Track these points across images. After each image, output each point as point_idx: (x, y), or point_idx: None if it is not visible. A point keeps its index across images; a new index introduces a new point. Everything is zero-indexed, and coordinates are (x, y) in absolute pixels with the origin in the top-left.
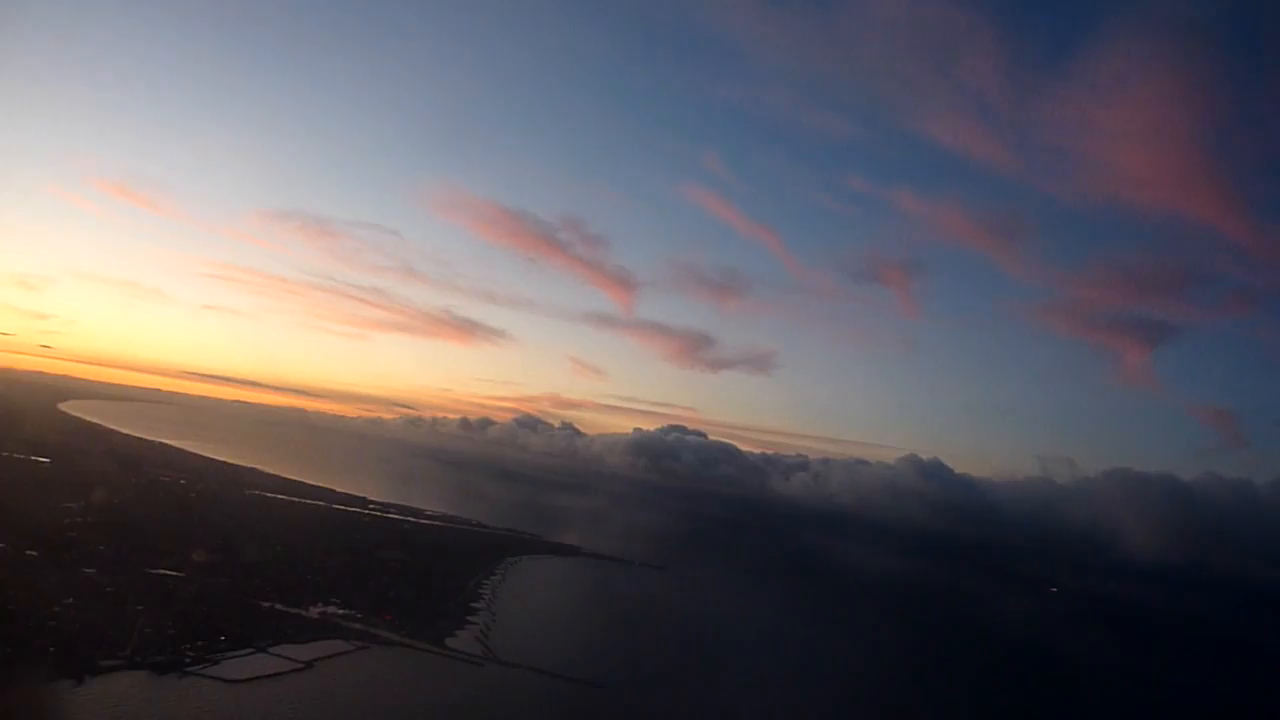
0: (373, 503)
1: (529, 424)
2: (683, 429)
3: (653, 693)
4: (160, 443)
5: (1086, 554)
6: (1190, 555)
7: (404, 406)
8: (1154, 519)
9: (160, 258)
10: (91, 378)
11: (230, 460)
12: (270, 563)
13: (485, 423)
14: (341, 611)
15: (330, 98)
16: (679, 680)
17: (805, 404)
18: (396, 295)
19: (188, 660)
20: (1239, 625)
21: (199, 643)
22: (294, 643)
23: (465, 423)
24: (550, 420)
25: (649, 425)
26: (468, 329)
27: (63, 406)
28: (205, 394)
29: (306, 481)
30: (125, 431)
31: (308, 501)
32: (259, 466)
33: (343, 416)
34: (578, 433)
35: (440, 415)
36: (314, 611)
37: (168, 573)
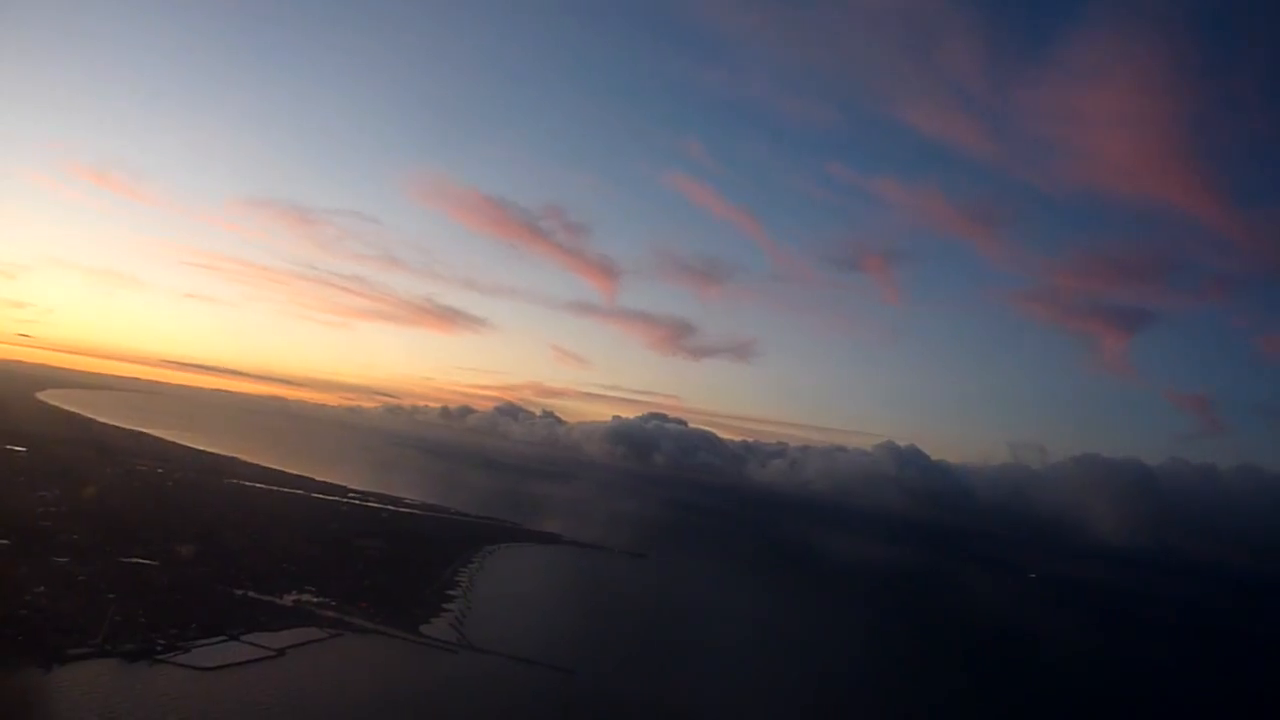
0: (352, 491)
1: (510, 412)
2: (663, 417)
3: (624, 679)
4: (139, 432)
5: (1059, 539)
6: (1157, 539)
7: (386, 395)
8: (1120, 504)
9: (140, 245)
10: (70, 366)
11: (209, 449)
12: (245, 551)
13: (465, 411)
14: (316, 599)
15: (311, 85)
16: (651, 666)
17: (788, 391)
18: (377, 283)
19: (158, 648)
20: (1209, 609)
21: (171, 631)
22: (267, 630)
23: (445, 411)
24: (532, 408)
25: (631, 413)
26: (449, 317)
27: (40, 395)
28: (185, 383)
29: (286, 470)
30: (103, 420)
31: (286, 490)
32: (238, 455)
33: (324, 405)
34: (559, 421)
35: (421, 404)
36: (288, 599)
37: (142, 561)
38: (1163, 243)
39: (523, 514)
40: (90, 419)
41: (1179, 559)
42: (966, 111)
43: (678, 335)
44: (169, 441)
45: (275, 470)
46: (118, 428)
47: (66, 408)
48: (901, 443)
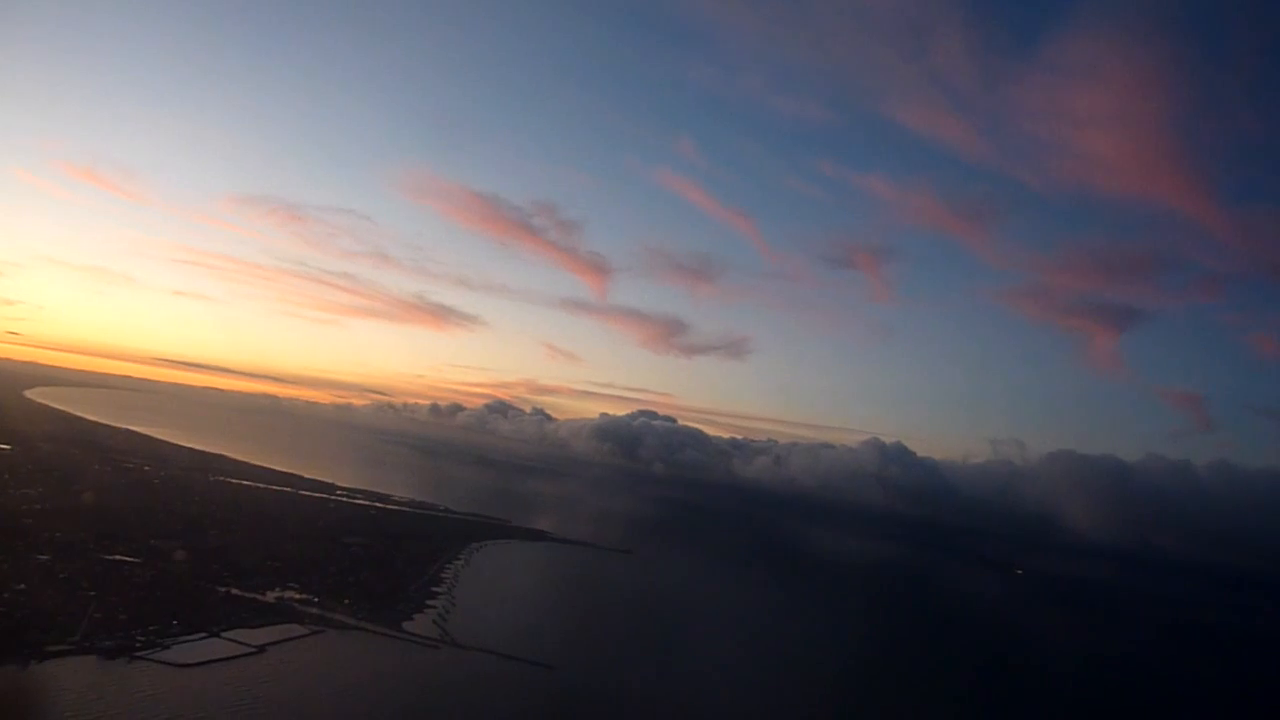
0: (340, 489)
1: (499, 409)
2: (652, 414)
3: (603, 674)
4: (127, 430)
5: (1041, 535)
6: (1134, 535)
7: (377, 393)
8: (1096, 500)
9: (129, 243)
10: (60, 364)
11: (198, 447)
12: (230, 548)
13: (455, 408)
14: (299, 596)
15: (302, 82)
16: (631, 662)
17: (780, 389)
18: (369, 280)
19: (138, 645)
20: (1193, 605)
21: (151, 627)
22: (248, 627)
23: (435, 408)
24: (523, 406)
25: (624, 410)
26: (441, 314)
27: (29, 394)
28: (176, 380)
29: (274, 468)
30: (92, 419)
31: (274, 488)
32: (227, 453)
33: (315, 403)
34: (548, 418)
35: (413, 401)
36: (271, 596)
37: (124, 559)
38: (1153, 241)
39: (511, 511)
40: (79, 417)
41: (1158, 555)
42: (957, 110)
43: (670, 333)
44: (157, 439)
45: (264, 468)
46: (106, 426)
47: (55, 406)
48: (889, 440)
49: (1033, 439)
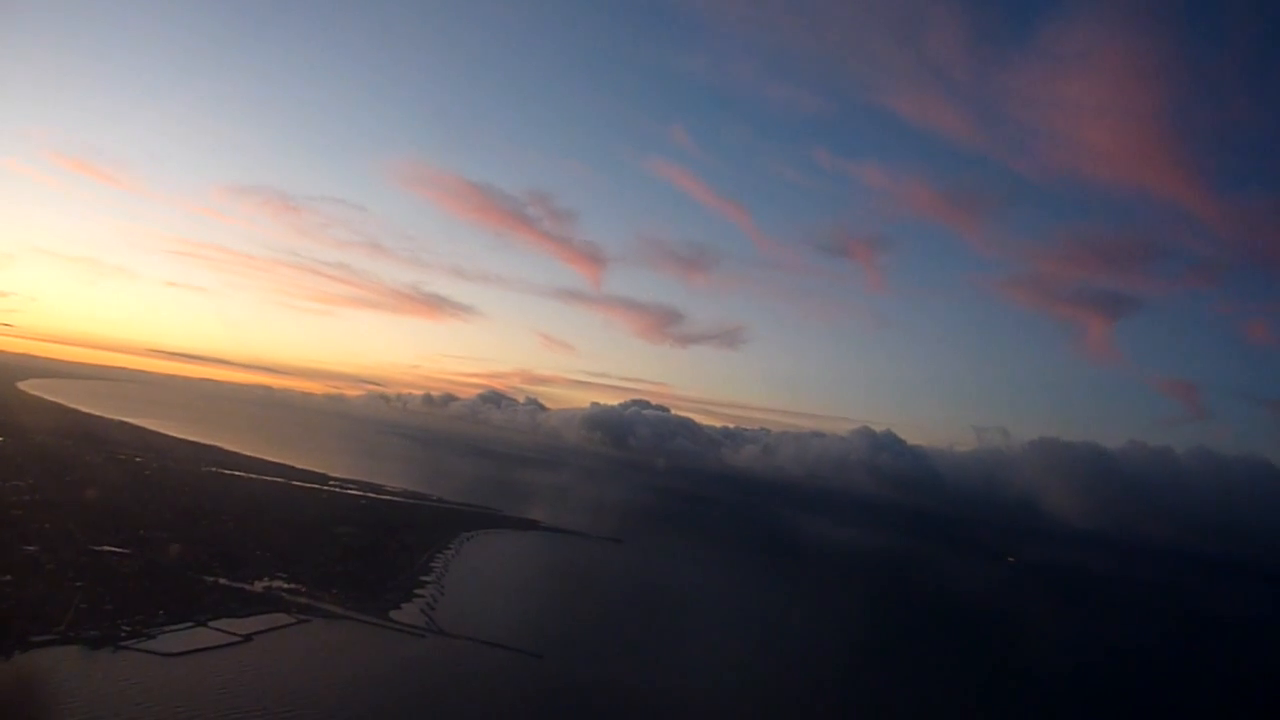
0: (332, 479)
1: (493, 399)
2: (644, 403)
3: (588, 662)
4: (120, 421)
5: (1027, 522)
6: (1116, 522)
7: (372, 383)
8: (1078, 486)
9: (122, 233)
10: (53, 356)
11: (191, 438)
12: (219, 538)
13: (448, 398)
14: (288, 586)
15: (295, 71)
16: (620, 650)
17: (775, 378)
18: (363, 270)
19: (123, 635)
20: (1181, 591)
21: (137, 618)
22: (235, 617)
23: (428, 398)
24: (517, 396)
25: (618, 400)
26: (436, 304)
27: (22, 385)
28: (170, 372)
29: (267, 459)
30: (85, 410)
31: (266, 478)
32: (220, 444)
33: (309, 393)
34: (541, 407)
35: (406, 392)
36: (259, 586)
37: (113, 549)
38: (1147, 229)
39: (503, 501)
40: (71, 408)
41: (1141, 541)
42: (952, 98)
43: (665, 322)
44: (150, 431)
45: (256, 458)
46: (99, 417)
47: (48, 397)
48: (880, 428)
49: (1028, 428)
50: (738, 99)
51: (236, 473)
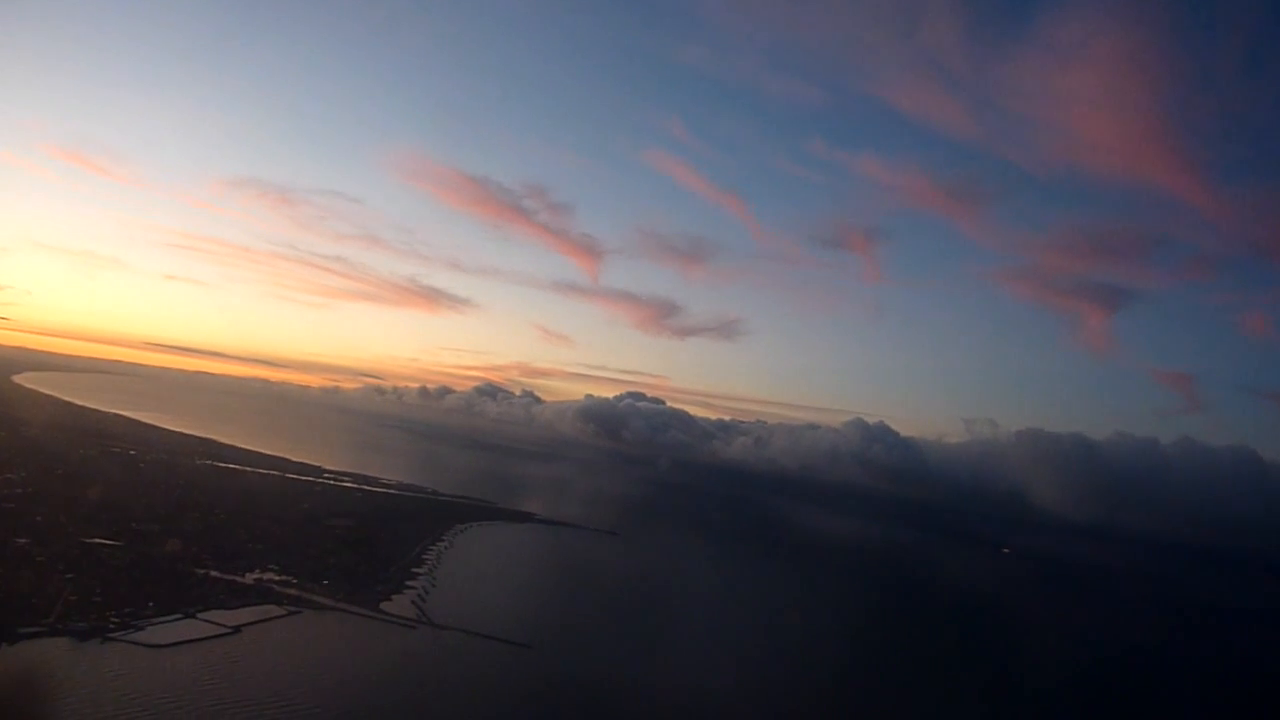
0: (327, 471)
1: (488, 392)
2: (639, 395)
3: (578, 653)
4: (115, 414)
5: (1016, 512)
6: (1105, 512)
7: (369, 376)
8: (1065, 477)
9: (119, 226)
10: (49, 349)
11: (186, 431)
12: (212, 530)
13: (444, 391)
14: (279, 578)
15: (292, 63)
16: (611, 642)
17: (773, 370)
18: (360, 263)
19: (111, 626)
20: (1174, 582)
21: (126, 609)
22: (225, 608)
23: (424, 391)
24: (515, 389)
25: (616, 393)
26: (433, 297)
27: (17, 379)
28: (167, 365)
29: (262, 451)
30: (80, 403)
31: (261, 471)
32: (215, 437)
33: (306, 386)
34: (536, 400)
35: (402, 384)
36: (250, 578)
37: (104, 542)
38: (1144, 221)
39: (497, 493)
40: (67, 402)
41: (1130, 531)
42: (949, 90)
43: (662, 314)
44: (146, 424)
45: (251, 451)
46: (95, 410)
47: (44, 391)
48: (874, 420)
49: (1025, 420)
50: (735, 91)
51: (231, 465)
